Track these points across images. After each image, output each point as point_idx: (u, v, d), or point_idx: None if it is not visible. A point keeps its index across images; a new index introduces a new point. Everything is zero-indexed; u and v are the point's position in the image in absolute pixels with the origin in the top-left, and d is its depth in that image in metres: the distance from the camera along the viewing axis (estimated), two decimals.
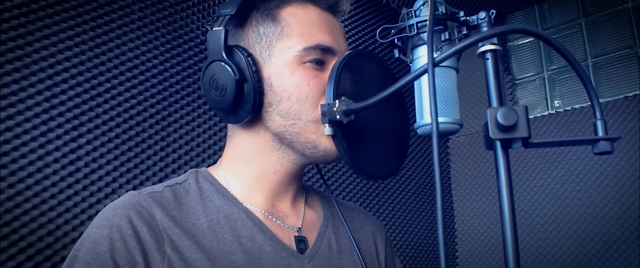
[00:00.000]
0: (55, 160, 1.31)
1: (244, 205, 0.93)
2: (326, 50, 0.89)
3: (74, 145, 1.35)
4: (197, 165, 1.61)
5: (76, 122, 1.37)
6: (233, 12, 0.87)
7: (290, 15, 0.90)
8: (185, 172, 1.54)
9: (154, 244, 0.81)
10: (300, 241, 0.93)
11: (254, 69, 0.87)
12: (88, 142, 1.38)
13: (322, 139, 0.87)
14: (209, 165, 0.98)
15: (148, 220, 0.83)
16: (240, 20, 0.92)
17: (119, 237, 0.80)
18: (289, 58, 0.88)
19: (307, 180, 1.88)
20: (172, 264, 0.80)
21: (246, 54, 0.87)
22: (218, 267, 0.83)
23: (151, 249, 0.80)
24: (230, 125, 0.99)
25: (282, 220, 0.94)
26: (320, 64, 0.89)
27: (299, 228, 0.95)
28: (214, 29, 0.88)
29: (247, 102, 0.87)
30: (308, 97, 0.87)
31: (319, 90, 0.87)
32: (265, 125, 0.91)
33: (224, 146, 1.00)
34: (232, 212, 0.91)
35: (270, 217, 0.93)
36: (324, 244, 0.96)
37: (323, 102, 0.87)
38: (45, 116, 1.31)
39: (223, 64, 0.86)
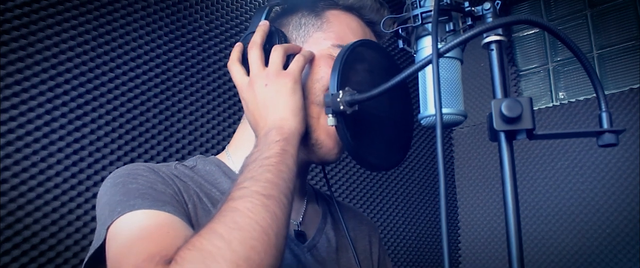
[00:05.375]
0: (59, 150, 1.32)
1: None
2: None
3: (77, 134, 1.36)
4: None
5: (80, 111, 1.37)
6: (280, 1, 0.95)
7: (334, 16, 0.95)
8: None
9: (182, 186, 0.83)
10: (300, 234, 0.93)
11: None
12: (92, 132, 1.39)
13: (317, 127, 0.89)
14: (213, 155, 0.99)
15: (170, 170, 0.86)
16: (288, 11, 0.97)
17: (148, 170, 0.83)
18: (320, 48, 0.91)
19: (311, 178, 1.88)
20: (196, 209, 0.82)
21: (281, 34, 0.91)
22: None
23: (180, 188, 0.82)
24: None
25: None
26: None
27: (299, 222, 0.95)
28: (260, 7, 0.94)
29: None
30: (322, 79, 0.89)
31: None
32: None
33: (229, 135, 1.01)
34: None
35: None
36: (322, 239, 0.97)
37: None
38: (48, 106, 1.31)
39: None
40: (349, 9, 0.96)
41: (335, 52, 0.90)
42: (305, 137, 0.89)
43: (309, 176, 1.82)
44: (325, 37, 0.92)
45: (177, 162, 0.93)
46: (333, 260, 0.95)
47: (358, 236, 1.06)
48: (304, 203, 1.00)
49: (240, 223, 0.64)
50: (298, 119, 0.82)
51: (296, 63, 0.85)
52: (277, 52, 0.86)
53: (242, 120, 1.01)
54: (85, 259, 0.76)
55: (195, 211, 0.82)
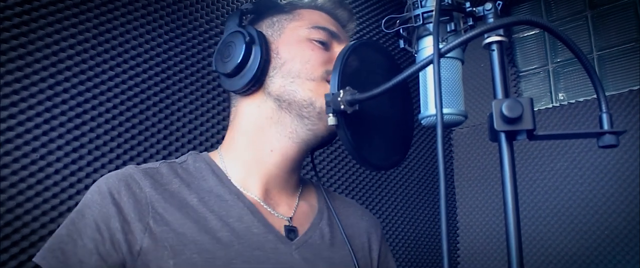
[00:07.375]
0: (59, 148, 1.31)
1: (238, 188, 0.95)
2: (332, 34, 0.97)
3: (77, 132, 1.35)
4: None
5: (80, 109, 1.37)
6: (250, 7, 1.00)
7: (304, 10, 1.00)
8: None
9: (136, 215, 0.84)
10: (291, 230, 0.93)
11: (263, 39, 0.95)
12: (91, 130, 1.38)
13: (319, 98, 0.91)
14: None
15: (136, 192, 0.87)
16: (258, 16, 1.02)
17: (105, 203, 0.85)
18: (298, 35, 0.95)
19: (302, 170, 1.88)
20: (153, 235, 0.83)
21: (259, 31, 0.95)
22: (202, 241, 0.85)
23: (133, 219, 0.84)
24: (233, 103, 1.03)
25: (273, 208, 0.95)
26: (325, 46, 0.96)
27: (290, 218, 0.96)
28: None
29: (253, 63, 0.93)
30: (310, 60, 0.93)
31: (321, 59, 0.93)
32: (266, 92, 0.96)
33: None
34: (223, 193, 0.93)
35: (262, 203, 0.95)
36: (315, 235, 0.96)
37: (324, 68, 0.92)
38: (48, 103, 1.31)
39: (235, 32, 0.94)
40: (320, 7, 1.02)
41: (312, 34, 0.95)
42: (307, 116, 0.92)
43: (307, 176, 1.82)
44: (300, 25, 0.96)
45: (163, 160, 0.96)
46: (326, 257, 0.95)
47: (356, 232, 1.06)
48: (296, 199, 1.01)
49: None
50: None
51: None
52: None
53: (230, 122, 1.02)
54: None
55: (150, 234, 0.84)
